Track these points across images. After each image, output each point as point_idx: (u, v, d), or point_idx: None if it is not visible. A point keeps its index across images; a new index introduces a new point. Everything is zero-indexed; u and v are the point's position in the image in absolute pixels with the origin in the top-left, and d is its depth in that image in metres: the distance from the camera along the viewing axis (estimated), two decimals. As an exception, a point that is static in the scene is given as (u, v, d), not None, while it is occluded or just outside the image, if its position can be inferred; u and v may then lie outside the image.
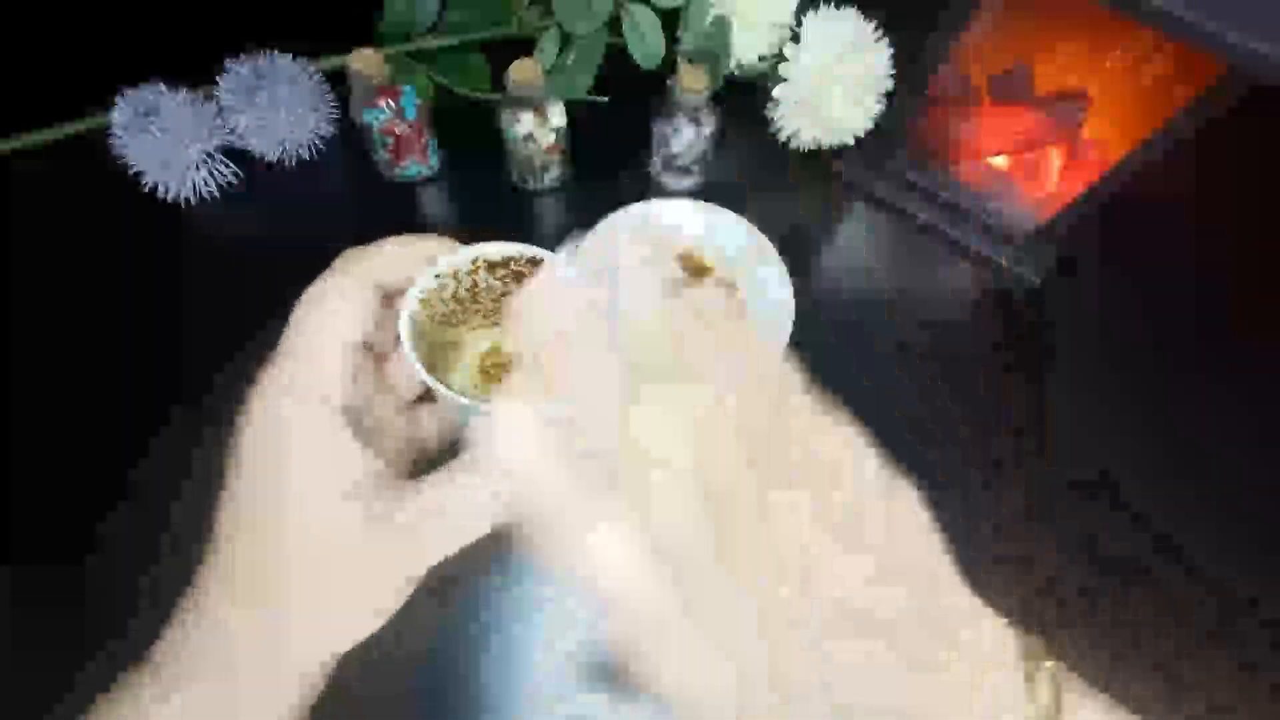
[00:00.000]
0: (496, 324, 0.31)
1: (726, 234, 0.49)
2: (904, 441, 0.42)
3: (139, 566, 0.36)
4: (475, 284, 0.28)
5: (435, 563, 0.22)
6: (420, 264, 0.26)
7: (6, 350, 0.43)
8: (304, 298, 0.24)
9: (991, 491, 0.43)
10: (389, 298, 0.25)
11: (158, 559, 0.36)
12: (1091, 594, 0.41)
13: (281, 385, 0.22)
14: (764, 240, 0.48)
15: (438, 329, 0.28)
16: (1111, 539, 0.42)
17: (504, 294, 0.29)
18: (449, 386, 0.28)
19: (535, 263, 0.28)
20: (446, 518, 0.22)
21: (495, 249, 0.27)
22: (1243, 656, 0.40)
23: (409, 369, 0.24)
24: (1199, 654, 0.39)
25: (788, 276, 0.47)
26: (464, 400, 0.24)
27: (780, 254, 0.48)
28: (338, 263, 0.25)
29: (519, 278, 0.28)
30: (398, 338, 0.25)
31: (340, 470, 0.22)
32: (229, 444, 0.22)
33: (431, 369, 0.26)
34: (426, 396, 0.25)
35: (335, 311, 0.23)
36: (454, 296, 0.28)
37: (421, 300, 0.26)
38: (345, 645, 0.22)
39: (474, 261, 0.27)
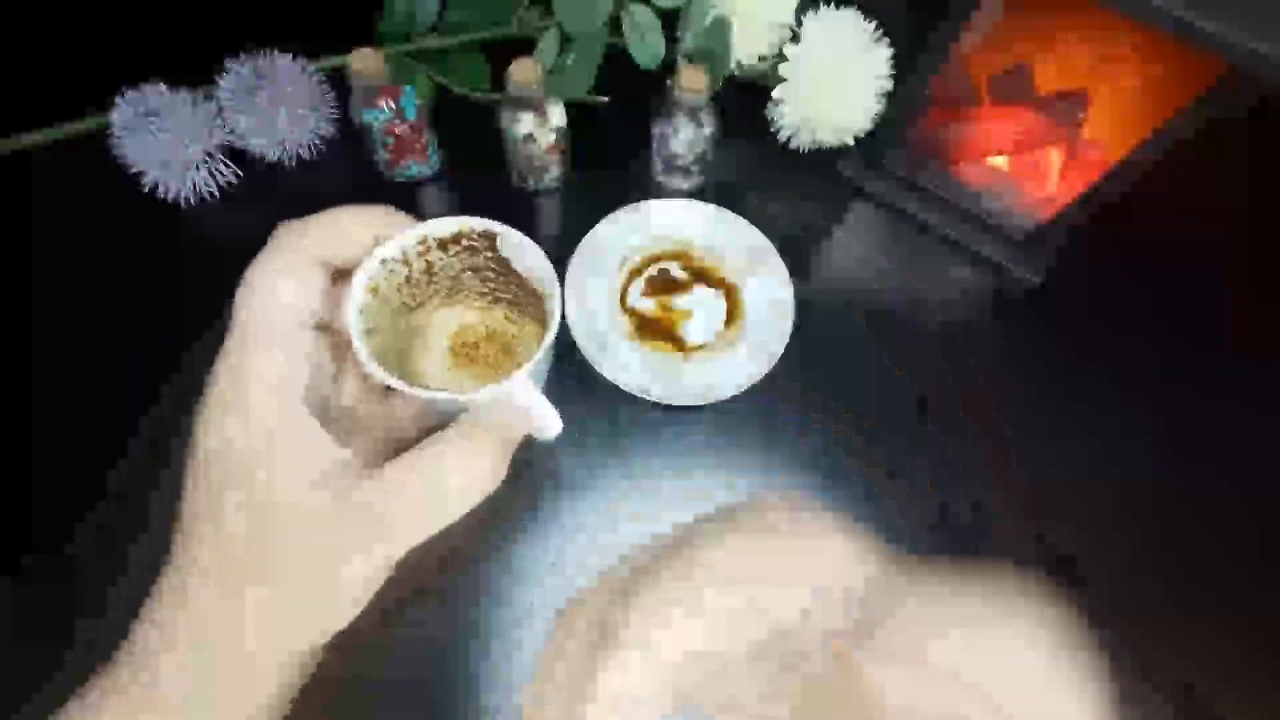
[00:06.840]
0: (460, 302, 0.30)
1: (727, 234, 0.49)
2: (905, 442, 0.43)
3: (121, 562, 0.35)
4: (429, 264, 0.27)
5: (405, 550, 0.22)
6: (363, 232, 0.24)
7: (6, 348, 0.43)
8: (244, 279, 0.22)
9: (993, 491, 0.43)
10: (341, 274, 0.24)
11: (143, 555, 0.36)
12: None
13: (232, 373, 0.21)
14: (764, 240, 0.48)
15: (399, 316, 0.27)
16: (1115, 526, 0.42)
17: (461, 270, 0.28)
18: (422, 372, 0.27)
19: (486, 235, 0.26)
20: (410, 500, 0.21)
21: (443, 225, 0.26)
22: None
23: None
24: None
25: (788, 277, 0.47)
26: (428, 394, 0.23)
27: (780, 254, 0.48)
28: (275, 238, 0.23)
29: (473, 251, 0.27)
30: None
31: (304, 458, 0.21)
32: (189, 435, 0.21)
33: (401, 358, 0.24)
34: None
35: (278, 293, 0.22)
36: (409, 280, 0.27)
37: (371, 289, 0.24)
38: (321, 636, 0.22)
39: (422, 241, 0.26)
